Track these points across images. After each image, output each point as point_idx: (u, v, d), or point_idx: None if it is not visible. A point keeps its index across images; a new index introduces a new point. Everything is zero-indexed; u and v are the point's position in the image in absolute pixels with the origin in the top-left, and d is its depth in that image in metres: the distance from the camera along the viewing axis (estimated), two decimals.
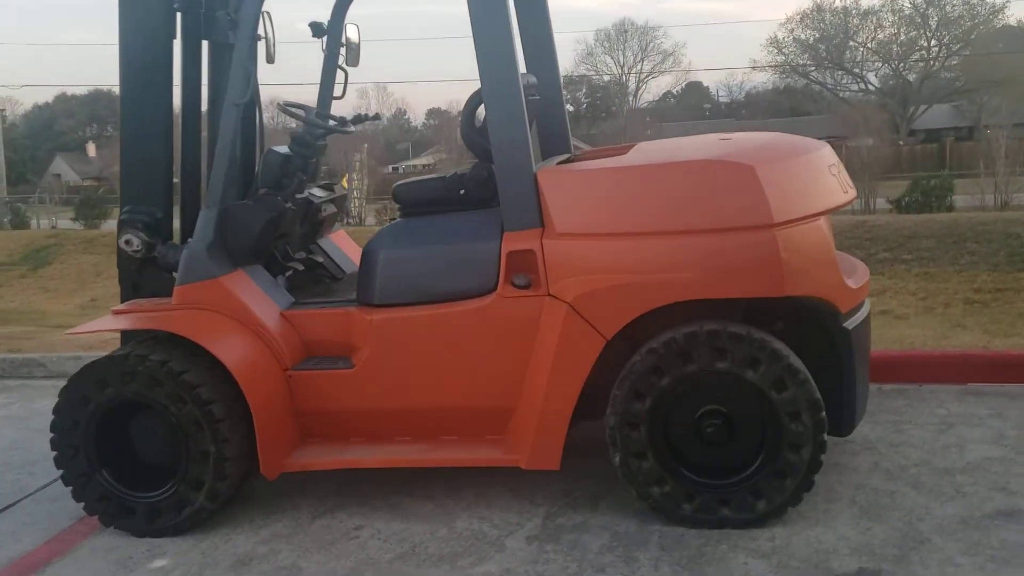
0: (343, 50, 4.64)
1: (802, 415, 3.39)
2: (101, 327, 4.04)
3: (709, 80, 71.01)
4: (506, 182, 3.66)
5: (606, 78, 62.18)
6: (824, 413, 3.41)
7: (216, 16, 4.00)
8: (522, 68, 4.52)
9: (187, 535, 3.73)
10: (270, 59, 4.37)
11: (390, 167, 48.22)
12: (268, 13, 4.12)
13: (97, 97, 62.50)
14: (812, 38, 50.32)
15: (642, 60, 60.91)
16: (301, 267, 4.29)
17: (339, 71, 4.68)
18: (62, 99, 65.28)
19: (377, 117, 5.51)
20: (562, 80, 4.78)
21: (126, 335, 4.15)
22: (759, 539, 3.40)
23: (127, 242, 4.01)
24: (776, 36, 51.94)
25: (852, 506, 3.61)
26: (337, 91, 4.72)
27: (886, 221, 11.13)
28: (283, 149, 4.17)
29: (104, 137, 57.34)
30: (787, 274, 3.38)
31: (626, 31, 60.04)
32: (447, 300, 3.74)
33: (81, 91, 65.02)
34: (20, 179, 42.39)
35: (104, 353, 4.06)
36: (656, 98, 65.18)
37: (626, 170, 3.63)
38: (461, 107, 4.09)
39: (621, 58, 60.98)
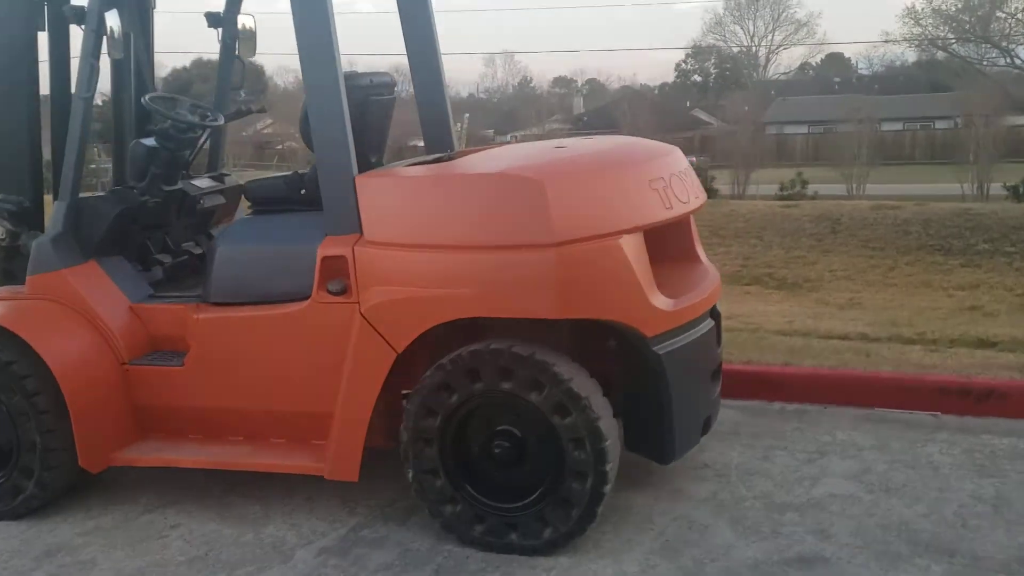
0: (238, 40, 4.66)
1: (584, 443, 3.25)
2: None
3: (850, 51, 68.00)
4: (327, 185, 3.61)
5: (735, 49, 60.50)
6: (607, 443, 3.26)
7: (63, 10, 4.03)
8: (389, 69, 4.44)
9: (22, 521, 3.86)
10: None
11: (509, 136, 48.10)
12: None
13: None
14: (954, 8, 47.47)
15: (773, 30, 58.98)
16: (167, 260, 4.33)
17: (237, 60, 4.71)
18: (198, 64, 67.79)
19: (263, 110, 5.51)
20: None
21: None
22: (538, 568, 3.29)
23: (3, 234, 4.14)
24: (913, 6, 49.27)
25: (657, 539, 3.44)
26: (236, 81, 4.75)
27: (992, 209, 10.45)
28: (150, 142, 4.22)
29: None
30: (567, 295, 3.23)
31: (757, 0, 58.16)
32: (271, 302, 3.73)
33: (215, 56, 67.50)
34: None
35: None
36: (790, 69, 63.08)
37: (427, 179, 3.53)
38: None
39: (751, 28, 59.21)
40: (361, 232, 3.54)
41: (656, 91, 62.06)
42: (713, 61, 61.60)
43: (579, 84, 66.26)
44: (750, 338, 5.55)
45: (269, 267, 3.79)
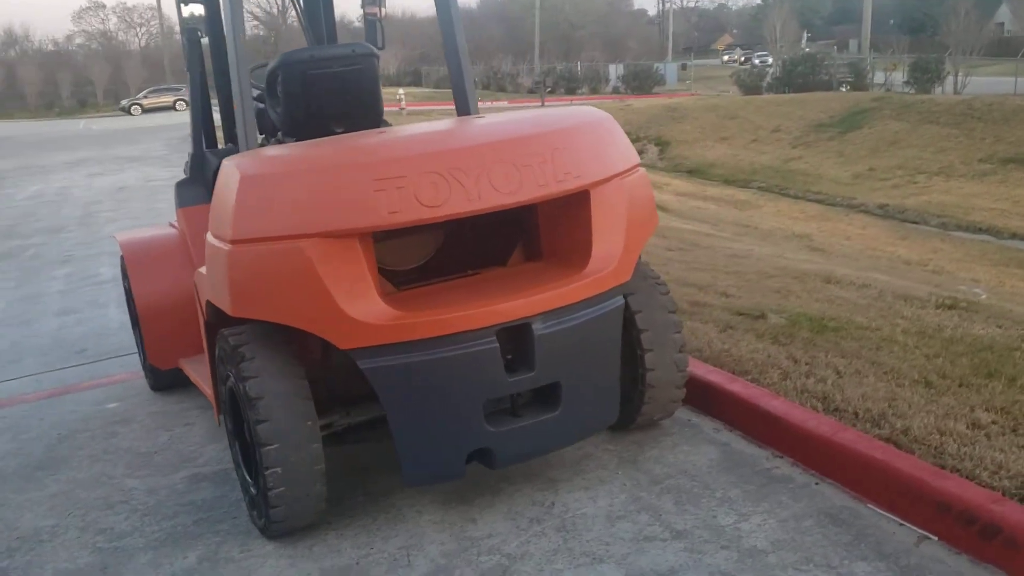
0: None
1: (262, 443, 3.21)
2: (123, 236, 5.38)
3: None
4: None
5: None
6: (268, 448, 3.17)
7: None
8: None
9: (150, 394, 5.16)
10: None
11: None
12: None
13: None
14: None
15: None
16: None
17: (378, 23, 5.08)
18: None
19: None
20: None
21: None
22: (247, 549, 3.40)
23: (184, 171, 5.34)
24: None
25: (356, 560, 3.24)
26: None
27: None
28: (260, 104, 4.91)
29: None
30: (239, 294, 3.18)
31: None
32: None
33: None
34: (935, 31, 42.07)
35: None
36: None
37: (224, 166, 3.56)
38: None
39: None
40: None
41: None
42: None
43: None
44: None
45: None
